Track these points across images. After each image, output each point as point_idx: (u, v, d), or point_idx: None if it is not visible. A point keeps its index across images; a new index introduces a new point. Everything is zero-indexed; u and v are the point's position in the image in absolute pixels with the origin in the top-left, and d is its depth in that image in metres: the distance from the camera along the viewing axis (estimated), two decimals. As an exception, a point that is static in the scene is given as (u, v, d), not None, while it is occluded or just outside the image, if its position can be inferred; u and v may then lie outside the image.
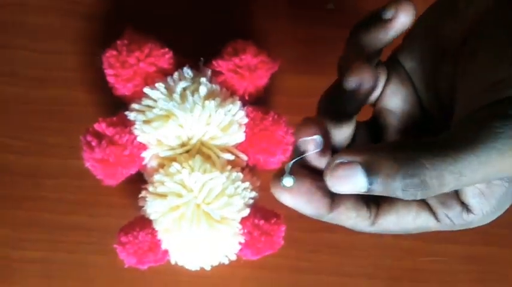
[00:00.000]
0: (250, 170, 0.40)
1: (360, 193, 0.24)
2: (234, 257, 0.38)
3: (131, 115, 0.37)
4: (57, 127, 0.44)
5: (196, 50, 0.41)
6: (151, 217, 0.37)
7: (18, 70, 0.45)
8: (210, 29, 0.47)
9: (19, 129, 0.44)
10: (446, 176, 0.22)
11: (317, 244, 0.45)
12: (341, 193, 0.24)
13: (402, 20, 0.26)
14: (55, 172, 0.43)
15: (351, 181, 0.23)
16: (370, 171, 0.23)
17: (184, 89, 0.38)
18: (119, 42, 0.38)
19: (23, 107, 0.44)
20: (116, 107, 0.40)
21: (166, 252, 0.37)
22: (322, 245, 0.45)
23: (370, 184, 0.23)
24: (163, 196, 0.36)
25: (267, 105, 0.45)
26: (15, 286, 0.42)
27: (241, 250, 0.38)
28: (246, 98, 0.40)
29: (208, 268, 0.38)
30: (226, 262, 0.38)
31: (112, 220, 0.42)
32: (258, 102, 0.42)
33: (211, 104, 0.37)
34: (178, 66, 0.40)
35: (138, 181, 0.40)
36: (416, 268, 0.45)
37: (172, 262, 0.38)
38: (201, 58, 0.40)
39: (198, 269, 0.38)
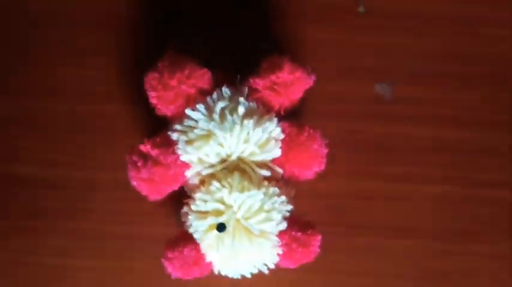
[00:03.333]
0: (285, 182, 0.42)
1: None
2: (272, 267, 0.41)
3: (174, 135, 0.39)
4: (101, 141, 0.46)
5: (233, 67, 0.42)
6: (195, 235, 0.39)
7: (63, 87, 0.47)
8: (246, 41, 0.47)
9: (67, 143, 0.47)
10: None
11: (348, 248, 0.47)
12: None
13: None
14: (102, 184, 0.46)
15: None
16: None
17: (223, 108, 0.39)
18: (160, 64, 0.39)
19: (71, 123, 0.47)
20: (157, 121, 0.42)
21: (209, 263, 0.40)
22: (353, 249, 0.47)
23: None
24: (204, 213, 0.38)
25: (301, 113, 0.47)
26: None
27: (280, 260, 0.40)
28: (282, 113, 0.42)
29: (249, 276, 0.41)
30: (266, 271, 0.40)
31: (157, 228, 0.46)
32: (292, 111, 0.43)
33: (249, 123, 0.39)
34: (216, 81, 0.41)
35: (179, 192, 0.42)
36: (447, 269, 0.47)
37: (216, 272, 0.41)
38: (238, 75, 0.42)
39: (239, 277, 0.41)
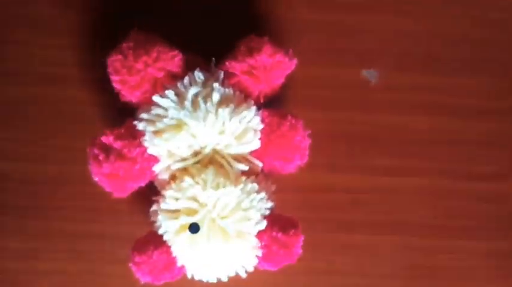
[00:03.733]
0: (264, 176, 0.38)
1: None
2: (251, 269, 0.37)
3: (140, 125, 0.35)
4: (68, 129, 0.42)
5: (206, 46, 0.38)
6: (165, 237, 0.35)
7: (26, 68, 0.43)
8: (224, 18, 0.43)
9: (32, 132, 0.42)
10: None
11: (334, 245, 0.43)
12: None
13: None
14: (65, 179, 0.42)
15: None
16: None
17: (196, 95, 0.35)
18: (124, 45, 0.35)
19: (34, 108, 0.42)
20: (122, 109, 0.38)
21: (182, 267, 0.36)
22: (339, 246, 0.44)
23: None
24: (176, 212, 0.35)
25: (281, 99, 0.43)
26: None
27: (259, 262, 0.36)
28: (261, 100, 0.38)
29: (225, 279, 0.37)
30: (244, 274, 0.37)
31: (123, 227, 0.42)
32: (272, 97, 0.39)
33: (225, 111, 0.35)
34: (187, 65, 0.37)
35: (148, 187, 0.38)
36: (436, 266, 0.44)
37: (189, 276, 0.37)
38: (213, 58, 0.38)
39: (215, 281, 0.37)
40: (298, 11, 0.44)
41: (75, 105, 0.42)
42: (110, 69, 0.35)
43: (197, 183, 0.34)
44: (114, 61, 0.35)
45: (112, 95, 0.40)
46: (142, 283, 0.36)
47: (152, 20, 0.42)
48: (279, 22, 0.44)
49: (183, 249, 0.35)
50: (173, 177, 0.36)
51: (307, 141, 0.38)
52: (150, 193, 0.37)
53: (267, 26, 0.44)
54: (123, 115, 0.37)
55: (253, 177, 0.37)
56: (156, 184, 0.38)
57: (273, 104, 0.38)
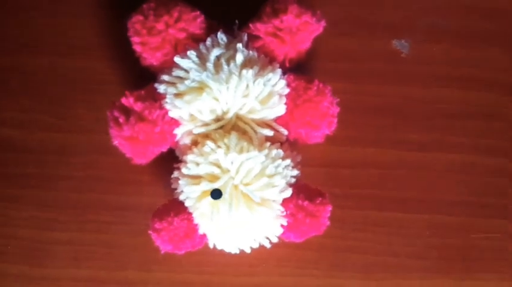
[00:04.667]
0: (290, 145, 0.37)
1: None
2: (275, 240, 0.35)
3: (161, 88, 0.34)
4: (81, 99, 0.41)
5: (229, 11, 0.37)
6: (186, 203, 0.34)
7: (37, 39, 0.42)
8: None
9: (43, 102, 0.41)
10: None
11: (363, 223, 0.41)
12: None
13: None
14: (82, 148, 0.41)
15: None
16: None
17: (218, 57, 0.34)
18: (145, 5, 0.34)
19: (46, 79, 0.41)
20: (143, 77, 0.37)
21: (203, 236, 0.35)
22: (368, 223, 0.42)
23: None
24: (197, 178, 0.33)
25: (308, 71, 0.41)
26: (43, 268, 0.40)
27: (284, 232, 0.35)
28: (287, 64, 0.36)
29: (248, 250, 0.36)
30: (268, 245, 0.35)
31: (143, 198, 0.40)
32: (299, 68, 0.38)
33: (248, 73, 0.33)
34: (210, 31, 0.36)
35: (169, 157, 0.37)
36: (469, 246, 0.42)
37: (210, 245, 0.35)
38: (236, 21, 0.36)
39: (238, 252, 0.36)
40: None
41: (88, 74, 0.41)
42: (130, 32, 0.34)
43: (219, 147, 0.33)
44: (134, 23, 0.34)
45: (127, 65, 0.39)
46: (163, 253, 0.35)
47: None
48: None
49: (205, 216, 0.33)
50: (194, 142, 0.35)
51: (336, 108, 0.36)
52: (171, 163, 0.36)
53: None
54: (138, 86, 0.36)
55: (277, 145, 0.35)
56: (177, 151, 0.36)
57: (298, 73, 0.37)
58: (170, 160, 0.37)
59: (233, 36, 0.36)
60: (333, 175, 0.42)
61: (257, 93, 0.34)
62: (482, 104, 0.43)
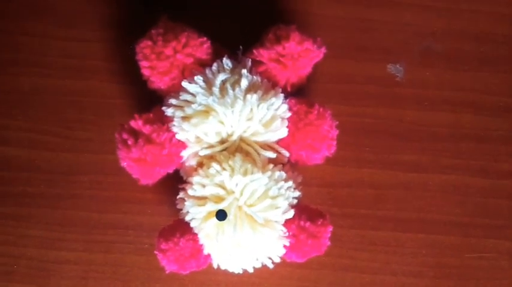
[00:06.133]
0: (291, 166, 0.38)
1: None
2: (278, 260, 0.36)
3: (169, 111, 0.35)
4: (88, 120, 0.42)
5: (233, 36, 0.38)
6: (192, 224, 0.34)
7: (47, 60, 0.43)
8: (249, 13, 0.43)
9: (51, 123, 0.42)
10: None
11: (360, 242, 0.42)
12: None
13: None
14: (88, 168, 0.41)
15: None
16: None
17: (224, 81, 0.35)
18: (153, 31, 0.35)
19: (54, 99, 0.42)
20: (150, 100, 0.38)
21: (208, 256, 0.36)
22: (365, 242, 0.42)
23: None
24: (203, 199, 0.34)
25: (308, 93, 0.43)
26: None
27: (286, 253, 0.36)
28: (289, 89, 0.38)
29: (251, 270, 0.36)
30: (271, 265, 0.36)
31: (148, 217, 0.41)
32: (299, 90, 0.39)
33: (253, 98, 0.35)
34: (216, 56, 0.37)
35: (173, 177, 0.38)
36: (464, 265, 0.43)
37: (215, 266, 0.36)
38: (240, 47, 0.37)
39: (241, 272, 0.36)
40: (323, 6, 0.44)
41: (96, 97, 0.42)
42: (139, 56, 0.35)
43: (224, 169, 0.34)
44: (143, 47, 0.35)
45: (133, 88, 0.40)
46: (167, 272, 0.36)
47: (178, 14, 0.42)
48: (304, 17, 0.44)
49: (210, 236, 0.34)
50: (200, 164, 0.36)
51: (335, 131, 0.37)
52: (176, 183, 0.37)
53: (292, 21, 0.44)
54: (144, 108, 0.37)
55: (280, 167, 0.36)
56: (181, 172, 0.37)
57: (299, 97, 0.38)
58: (174, 179, 0.38)
59: (238, 61, 0.37)
60: (331, 195, 0.43)
61: (261, 116, 0.35)
62: (475, 127, 0.44)
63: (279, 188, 0.35)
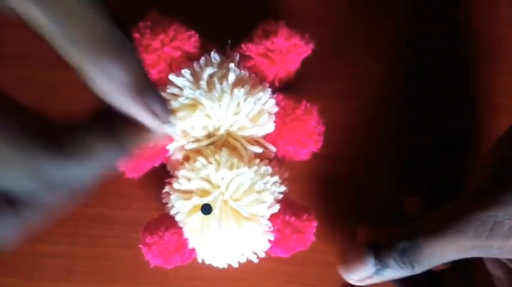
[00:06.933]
0: (277, 162, 0.38)
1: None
2: (263, 255, 0.36)
3: (155, 104, 0.35)
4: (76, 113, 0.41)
5: (222, 31, 0.38)
6: (177, 218, 0.34)
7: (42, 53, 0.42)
8: (238, 8, 0.43)
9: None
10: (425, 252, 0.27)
11: (347, 237, 0.43)
12: (356, 277, 0.29)
13: None
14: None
15: (360, 260, 0.28)
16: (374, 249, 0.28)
17: (211, 75, 0.35)
18: (141, 24, 0.35)
19: (42, 90, 0.42)
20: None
21: (192, 251, 0.35)
22: (352, 238, 0.43)
23: (377, 258, 0.28)
24: (188, 193, 0.34)
25: (295, 89, 0.43)
26: (34, 281, 0.40)
27: (271, 247, 0.36)
28: (277, 84, 0.38)
29: (236, 265, 0.36)
30: (255, 259, 0.36)
31: (133, 212, 0.41)
32: (287, 87, 0.39)
33: (240, 92, 0.35)
34: (204, 50, 0.37)
35: (160, 171, 0.37)
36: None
37: (199, 260, 0.36)
38: (229, 41, 0.37)
39: (226, 266, 0.36)
40: (315, 2, 0.44)
41: (85, 89, 0.42)
42: (126, 48, 0.35)
43: (210, 163, 0.34)
44: (130, 40, 0.35)
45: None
46: (152, 267, 0.36)
47: (167, 7, 0.42)
48: (296, 13, 0.44)
49: (195, 230, 0.34)
50: (186, 158, 0.36)
51: (322, 127, 0.37)
52: (162, 178, 0.37)
53: (282, 17, 0.44)
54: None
55: (266, 161, 0.36)
56: (168, 166, 0.37)
57: (286, 93, 0.38)
58: (161, 174, 0.37)
59: (226, 56, 0.37)
60: (317, 191, 0.43)
61: (248, 111, 0.35)
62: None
63: (265, 183, 0.35)
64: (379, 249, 0.28)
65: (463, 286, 0.32)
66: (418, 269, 0.28)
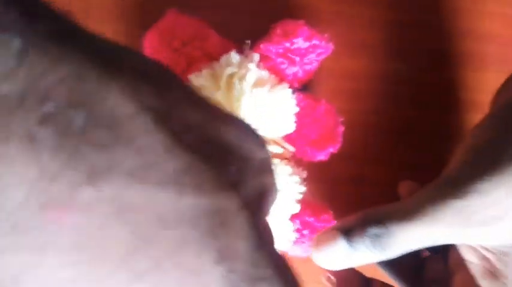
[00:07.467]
0: (296, 162, 0.38)
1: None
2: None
3: (175, 104, 0.35)
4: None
5: (242, 31, 0.38)
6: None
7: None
8: (257, 7, 0.43)
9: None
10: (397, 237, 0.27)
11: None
12: (328, 260, 0.29)
13: None
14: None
15: (331, 244, 0.28)
16: (346, 232, 0.28)
17: (231, 75, 0.35)
18: (160, 23, 0.35)
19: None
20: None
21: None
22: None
23: (348, 242, 0.28)
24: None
25: (315, 88, 0.42)
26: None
27: (290, 247, 0.36)
28: (296, 84, 0.38)
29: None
30: (274, 260, 0.36)
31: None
32: (307, 87, 0.39)
33: (259, 92, 0.35)
34: (224, 50, 0.37)
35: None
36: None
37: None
38: (248, 41, 0.37)
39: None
40: (334, 2, 0.44)
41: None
42: (146, 48, 0.35)
43: (231, 163, 0.34)
44: (151, 39, 0.35)
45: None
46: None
47: (186, 6, 0.42)
48: (315, 13, 0.44)
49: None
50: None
51: (341, 128, 0.37)
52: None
53: (301, 16, 0.44)
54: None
55: (285, 161, 0.36)
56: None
57: (306, 93, 0.38)
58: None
59: (245, 56, 0.37)
60: (335, 191, 0.43)
61: (267, 111, 0.35)
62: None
63: (285, 183, 0.35)
64: (351, 233, 0.28)
65: (444, 272, 0.32)
66: (390, 255, 0.27)
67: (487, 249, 0.26)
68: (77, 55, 0.15)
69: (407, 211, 0.27)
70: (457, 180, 0.26)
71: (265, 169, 0.21)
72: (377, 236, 0.27)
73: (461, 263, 0.29)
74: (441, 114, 0.44)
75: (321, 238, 0.28)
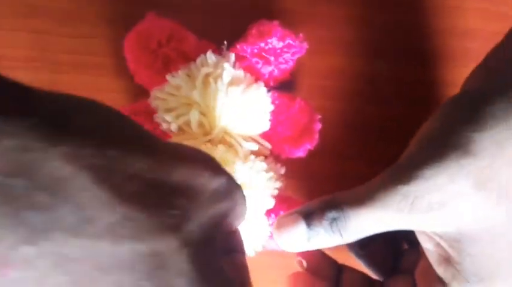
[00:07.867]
0: (274, 159, 0.39)
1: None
2: (260, 249, 0.37)
3: (153, 103, 0.36)
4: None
5: (218, 32, 0.39)
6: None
7: (47, 55, 0.44)
8: (234, 8, 0.44)
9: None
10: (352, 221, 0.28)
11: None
12: (288, 243, 0.30)
13: None
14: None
15: (292, 227, 0.29)
16: (306, 216, 0.29)
17: (207, 75, 0.36)
18: (139, 26, 0.36)
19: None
20: (136, 92, 0.39)
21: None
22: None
23: (308, 225, 0.29)
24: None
25: (292, 87, 0.44)
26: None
27: (267, 241, 0.37)
28: (271, 83, 0.39)
29: (233, 259, 0.38)
30: (252, 254, 0.37)
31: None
32: (282, 86, 0.40)
33: (235, 91, 0.36)
34: (200, 50, 0.38)
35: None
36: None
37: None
38: (225, 42, 0.39)
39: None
40: (311, 4, 0.45)
41: (90, 90, 0.43)
42: (125, 49, 0.36)
43: (207, 160, 0.35)
44: (129, 41, 0.36)
45: (121, 82, 0.41)
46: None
47: (164, 9, 0.43)
48: (291, 15, 0.45)
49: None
50: (184, 155, 0.37)
51: (317, 125, 0.38)
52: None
53: (277, 18, 0.45)
54: (130, 101, 0.38)
55: (262, 158, 0.37)
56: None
57: (282, 91, 0.39)
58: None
59: (222, 56, 0.38)
60: (312, 188, 0.44)
61: (243, 109, 0.36)
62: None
63: (260, 179, 0.36)
64: (311, 216, 0.29)
65: (417, 264, 0.33)
66: (348, 239, 0.29)
67: (440, 236, 0.27)
68: (22, 126, 0.17)
69: (361, 196, 0.28)
70: (405, 166, 0.27)
71: (221, 196, 0.23)
72: (334, 220, 0.28)
73: (423, 251, 0.30)
74: (424, 111, 0.45)
75: (283, 221, 0.30)
